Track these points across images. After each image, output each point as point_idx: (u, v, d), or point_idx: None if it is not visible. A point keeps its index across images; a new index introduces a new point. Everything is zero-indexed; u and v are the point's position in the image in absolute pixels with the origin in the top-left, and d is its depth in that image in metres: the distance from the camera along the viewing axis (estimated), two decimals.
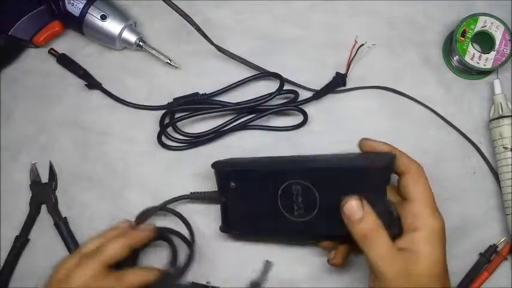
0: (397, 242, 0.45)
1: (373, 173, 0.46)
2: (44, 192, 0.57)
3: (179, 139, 0.58)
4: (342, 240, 0.51)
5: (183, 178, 0.58)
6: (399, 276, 0.43)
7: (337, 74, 0.59)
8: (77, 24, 0.57)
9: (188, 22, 0.56)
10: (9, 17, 0.58)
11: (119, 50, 0.60)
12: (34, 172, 0.58)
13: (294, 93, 0.58)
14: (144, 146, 0.58)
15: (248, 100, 0.58)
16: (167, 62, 0.58)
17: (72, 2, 0.57)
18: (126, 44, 0.59)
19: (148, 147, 0.58)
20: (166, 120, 0.58)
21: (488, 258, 0.56)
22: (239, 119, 0.58)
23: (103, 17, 0.57)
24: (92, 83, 0.59)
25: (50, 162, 0.58)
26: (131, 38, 0.58)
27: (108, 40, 0.58)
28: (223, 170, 0.52)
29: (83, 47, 0.60)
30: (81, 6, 0.57)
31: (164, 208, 0.56)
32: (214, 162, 0.53)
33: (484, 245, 0.57)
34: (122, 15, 0.58)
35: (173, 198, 0.55)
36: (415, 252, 0.44)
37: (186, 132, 0.58)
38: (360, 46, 0.58)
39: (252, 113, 0.58)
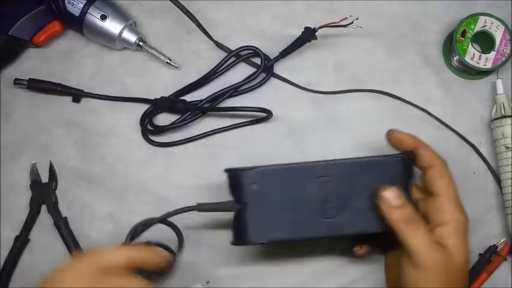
0: None
1: (396, 169, 0.47)
2: (44, 192, 0.57)
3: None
4: (370, 239, 0.52)
5: (184, 178, 0.58)
6: (438, 269, 0.44)
7: (306, 29, 0.57)
8: (77, 24, 0.57)
9: (189, 18, 0.56)
10: (9, 17, 0.57)
11: (119, 50, 0.60)
12: (34, 172, 0.58)
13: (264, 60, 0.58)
14: (144, 146, 0.58)
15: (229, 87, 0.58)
16: (167, 62, 0.58)
17: (72, 2, 0.57)
18: (126, 44, 0.59)
19: (149, 148, 0.58)
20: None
21: (488, 259, 0.56)
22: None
23: (103, 17, 0.57)
24: (75, 94, 0.58)
25: (50, 162, 0.58)
26: (131, 38, 0.58)
27: (108, 40, 0.58)
28: (243, 172, 0.47)
29: (83, 47, 0.60)
30: (81, 6, 0.57)
31: (163, 221, 0.51)
32: (228, 168, 0.48)
33: (484, 245, 0.57)
34: (122, 15, 0.58)
35: (176, 210, 0.48)
36: (446, 247, 0.45)
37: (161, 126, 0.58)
38: (348, 22, 0.56)
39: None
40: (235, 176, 0.47)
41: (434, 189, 0.47)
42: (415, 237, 0.44)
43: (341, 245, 0.56)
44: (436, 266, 0.44)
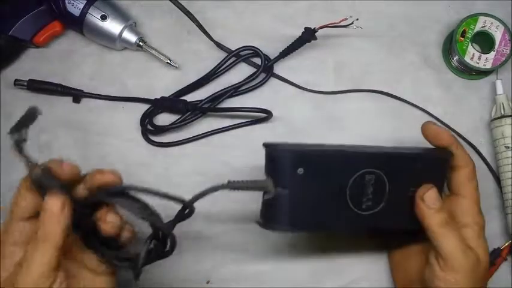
0: None
1: (439, 166, 0.47)
2: None
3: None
4: (402, 234, 0.51)
5: (184, 177, 0.58)
6: (469, 271, 0.44)
7: (306, 29, 0.57)
8: (77, 24, 0.57)
9: (189, 18, 0.56)
10: (9, 17, 0.57)
11: (119, 50, 0.60)
12: None
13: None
14: (144, 146, 0.58)
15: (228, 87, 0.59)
16: (167, 62, 0.58)
17: (72, 2, 0.57)
18: (126, 44, 0.59)
19: (149, 148, 0.58)
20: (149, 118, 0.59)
21: (492, 262, 0.56)
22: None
23: (103, 17, 0.57)
24: (75, 94, 0.58)
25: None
26: (131, 38, 0.58)
27: (108, 40, 0.58)
28: (291, 152, 0.43)
29: (83, 47, 0.60)
30: (81, 6, 0.57)
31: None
32: (270, 144, 0.43)
33: None
34: (122, 15, 0.58)
35: (206, 190, 0.43)
36: (473, 250, 0.45)
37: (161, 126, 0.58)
38: (348, 23, 0.56)
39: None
40: (278, 155, 0.43)
41: (463, 191, 0.48)
42: (450, 241, 0.44)
43: (341, 244, 0.56)
44: (468, 267, 0.44)
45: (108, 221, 0.42)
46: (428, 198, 0.45)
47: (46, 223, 0.39)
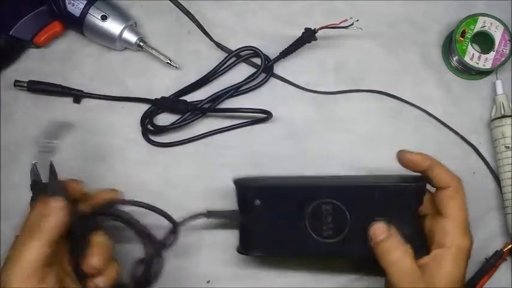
0: (424, 257, 0.46)
1: (405, 197, 0.47)
2: (44, 192, 0.57)
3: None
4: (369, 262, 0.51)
5: (183, 178, 0.58)
6: None
7: (306, 29, 0.57)
8: (78, 24, 0.57)
9: (189, 18, 0.56)
10: (9, 17, 0.58)
11: (119, 50, 0.60)
12: (34, 172, 0.57)
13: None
14: (144, 146, 0.58)
15: (229, 87, 0.59)
16: (167, 62, 0.59)
17: (72, 2, 0.57)
18: (127, 45, 0.59)
19: (149, 147, 0.58)
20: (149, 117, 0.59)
21: (493, 264, 0.56)
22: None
23: (103, 18, 0.57)
24: (75, 94, 0.59)
25: (50, 162, 0.58)
26: (132, 38, 0.58)
27: (108, 40, 0.58)
28: (248, 186, 0.50)
29: (83, 47, 0.60)
30: (81, 6, 0.57)
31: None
32: (236, 179, 0.50)
33: (483, 246, 0.57)
34: (123, 15, 0.58)
35: (189, 217, 0.51)
36: (438, 269, 0.45)
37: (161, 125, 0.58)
38: (348, 24, 0.56)
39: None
40: (239, 188, 0.50)
41: (444, 211, 0.46)
42: (395, 268, 0.44)
43: None
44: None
45: (90, 264, 0.44)
46: (372, 232, 0.46)
47: (45, 216, 0.41)
